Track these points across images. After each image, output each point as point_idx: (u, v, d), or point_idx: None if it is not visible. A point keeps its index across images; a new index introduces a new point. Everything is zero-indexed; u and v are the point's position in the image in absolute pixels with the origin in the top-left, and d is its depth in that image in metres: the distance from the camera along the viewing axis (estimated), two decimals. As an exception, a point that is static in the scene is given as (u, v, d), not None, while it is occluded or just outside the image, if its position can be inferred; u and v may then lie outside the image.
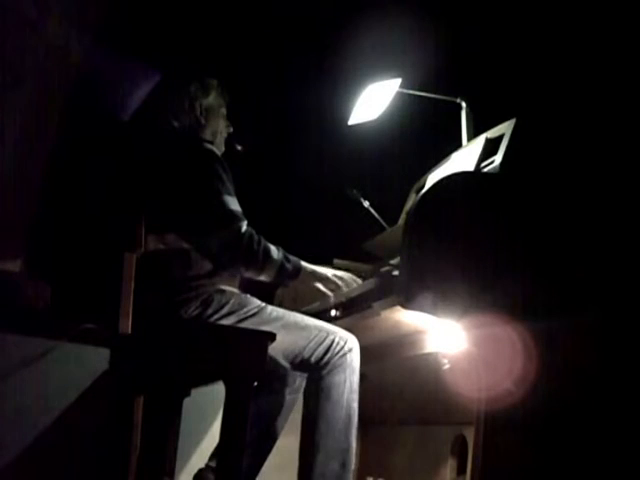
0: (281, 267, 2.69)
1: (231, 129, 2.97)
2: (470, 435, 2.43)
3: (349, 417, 2.64)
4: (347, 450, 2.62)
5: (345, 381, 2.64)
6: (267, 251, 2.66)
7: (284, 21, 4.25)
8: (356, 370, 2.68)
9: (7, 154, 3.61)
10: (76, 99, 3.79)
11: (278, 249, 2.70)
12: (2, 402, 3.10)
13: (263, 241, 2.67)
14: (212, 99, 2.90)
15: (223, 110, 2.94)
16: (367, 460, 3.30)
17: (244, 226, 2.65)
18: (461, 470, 2.66)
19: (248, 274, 2.70)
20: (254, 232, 2.66)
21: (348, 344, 2.67)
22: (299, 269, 2.74)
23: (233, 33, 4.19)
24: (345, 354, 2.66)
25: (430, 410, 2.82)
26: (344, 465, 2.61)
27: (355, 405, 2.66)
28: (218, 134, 2.92)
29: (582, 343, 2.39)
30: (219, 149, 2.88)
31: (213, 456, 2.74)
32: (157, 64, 3.89)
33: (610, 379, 2.40)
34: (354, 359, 2.68)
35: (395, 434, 3.10)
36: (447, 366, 2.53)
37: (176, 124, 2.85)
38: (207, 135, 2.87)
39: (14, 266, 3.53)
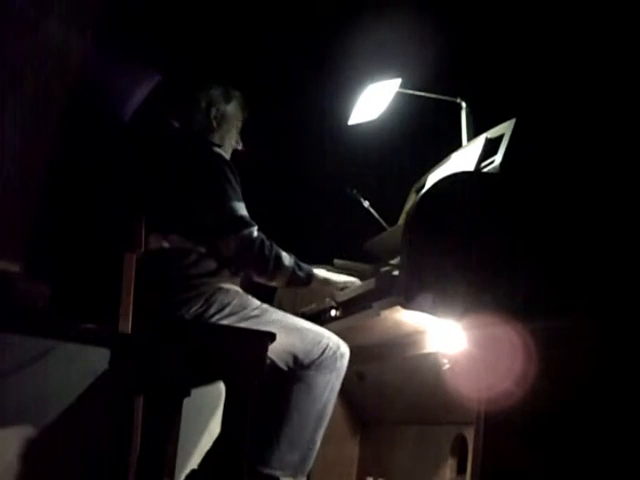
0: (292, 274, 2.72)
1: (240, 146, 2.95)
2: (470, 435, 2.43)
3: (322, 416, 2.68)
4: (311, 447, 2.66)
5: (329, 382, 2.69)
6: (279, 258, 2.68)
7: (284, 21, 4.25)
8: (341, 376, 2.73)
9: (7, 154, 3.61)
10: (76, 99, 3.79)
11: (290, 255, 2.72)
12: (2, 402, 3.10)
13: (275, 247, 2.68)
14: (231, 108, 2.90)
15: (238, 123, 2.93)
16: (367, 460, 3.30)
17: (255, 232, 2.66)
18: (461, 470, 2.66)
19: (259, 279, 2.73)
20: (265, 238, 2.67)
21: (341, 349, 2.73)
22: (310, 276, 2.76)
23: (234, 32, 4.19)
24: (337, 358, 2.70)
25: (430, 410, 2.82)
26: (304, 460, 2.65)
27: (331, 408, 2.71)
28: (226, 142, 2.89)
29: (582, 343, 2.39)
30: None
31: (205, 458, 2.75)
32: (157, 64, 3.89)
33: (610, 379, 2.40)
34: (343, 364, 2.73)
35: (395, 434, 3.10)
36: (447, 366, 2.53)
37: (184, 124, 2.84)
38: (216, 139, 2.85)
39: (14, 266, 3.53)
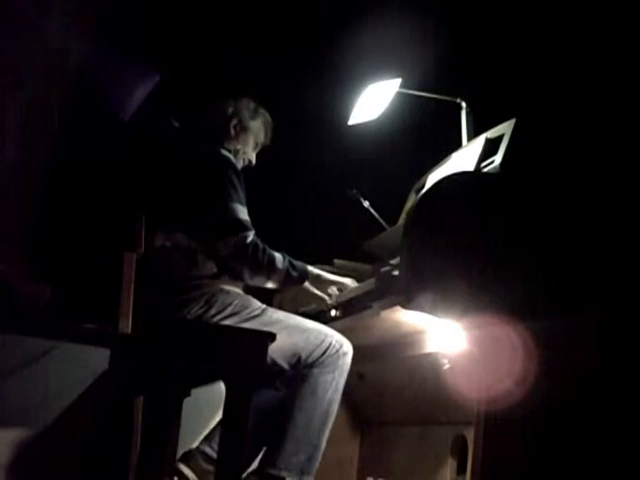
0: (286, 275, 2.73)
1: (252, 164, 2.96)
2: (470, 435, 2.43)
3: (327, 415, 2.68)
4: (317, 447, 2.66)
5: (333, 381, 2.69)
6: (272, 261, 2.68)
7: (284, 20, 4.25)
8: (345, 374, 2.73)
9: (7, 154, 3.61)
10: (76, 99, 3.79)
11: (284, 257, 2.72)
12: (2, 402, 3.10)
13: (268, 250, 2.69)
14: (254, 125, 2.92)
15: (257, 143, 2.95)
16: (367, 460, 3.30)
17: (250, 236, 2.66)
18: (461, 470, 2.66)
19: (253, 282, 2.73)
20: (259, 242, 2.68)
21: (344, 348, 2.72)
22: (305, 274, 2.77)
23: (234, 32, 4.19)
24: (339, 357, 2.70)
25: (430, 410, 2.82)
26: (310, 460, 2.64)
27: (335, 406, 2.70)
28: (239, 152, 2.90)
29: (582, 343, 2.39)
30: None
31: (205, 440, 2.76)
32: (157, 64, 3.89)
33: (610, 379, 2.40)
34: (346, 363, 2.73)
35: (395, 434, 3.10)
36: (447, 366, 2.53)
37: (197, 124, 2.86)
38: (229, 146, 2.86)
39: (14, 266, 3.53)
